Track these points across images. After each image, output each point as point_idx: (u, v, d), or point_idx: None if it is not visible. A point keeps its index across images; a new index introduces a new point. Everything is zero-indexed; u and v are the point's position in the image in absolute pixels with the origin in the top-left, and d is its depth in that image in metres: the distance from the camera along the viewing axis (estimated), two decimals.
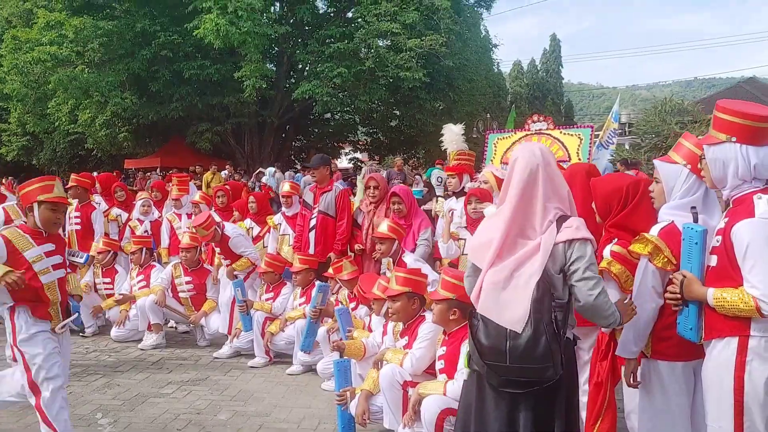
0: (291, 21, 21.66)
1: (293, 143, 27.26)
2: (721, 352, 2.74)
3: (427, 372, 4.24)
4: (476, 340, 2.71)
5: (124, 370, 6.29)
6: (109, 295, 7.70)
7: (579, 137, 13.18)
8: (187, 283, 7.30)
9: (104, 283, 7.80)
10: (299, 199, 7.77)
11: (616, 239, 3.32)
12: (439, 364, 4.02)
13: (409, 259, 5.49)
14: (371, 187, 7.07)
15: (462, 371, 3.17)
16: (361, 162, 27.13)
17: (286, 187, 7.82)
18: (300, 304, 6.49)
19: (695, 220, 2.94)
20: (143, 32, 21.07)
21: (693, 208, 3.00)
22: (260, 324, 6.55)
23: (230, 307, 6.88)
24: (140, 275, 7.59)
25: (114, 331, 7.42)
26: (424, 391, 3.87)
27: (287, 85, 24.31)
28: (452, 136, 7.43)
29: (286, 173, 16.77)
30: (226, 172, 20.49)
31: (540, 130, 13.61)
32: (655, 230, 3.16)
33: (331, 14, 23.97)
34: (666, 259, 3.07)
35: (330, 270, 6.29)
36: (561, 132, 13.39)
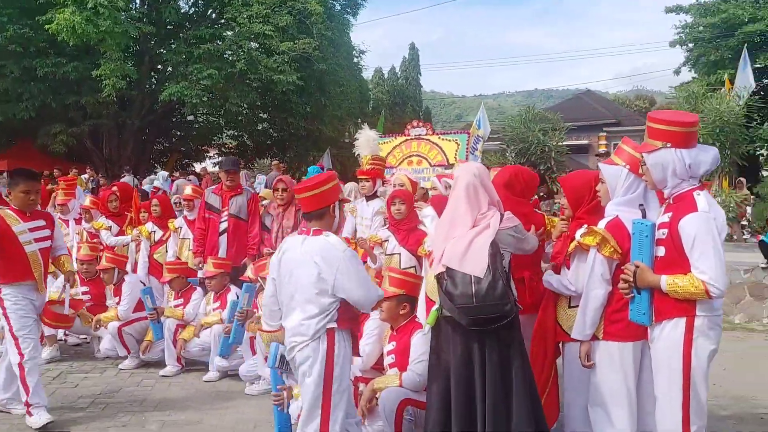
0: (154, 20, 20.77)
1: (154, 146, 26.16)
2: (670, 333, 3.12)
3: (374, 368, 4.38)
4: (447, 291, 3.35)
5: None
6: None
7: (456, 143, 13.91)
8: (84, 293, 6.93)
9: None
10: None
11: (585, 225, 3.65)
12: (389, 359, 4.17)
13: None
14: (279, 189, 7.08)
15: (425, 327, 3.67)
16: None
17: (188, 190, 7.61)
18: (214, 309, 6.38)
19: (644, 216, 3.32)
20: None
21: (641, 205, 3.37)
22: (171, 331, 6.36)
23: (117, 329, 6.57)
24: None
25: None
26: (380, 385, 4.00)
27: (149, 86, 23.34)
28: (367, 140, 7.56)
29: (160, 174, 16.01)
30: (86, 175, 19.34)
31: (419, 135, 14.19)
32: (602, 224, 3.52)
33: (194, 16, 23.31)
34: (612, 249, 3.44)
35: (249, 272, 6.23)
36: (439, 137, 14.06)
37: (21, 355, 4.79)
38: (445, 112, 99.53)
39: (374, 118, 28.42)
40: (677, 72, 30.89)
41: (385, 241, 5.55)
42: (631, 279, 3.20)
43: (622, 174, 3.57)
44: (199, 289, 6.74)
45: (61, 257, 5.32)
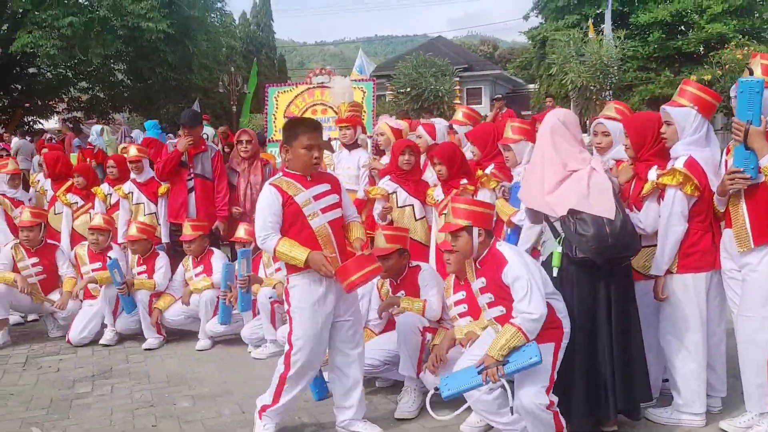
0: None
1: None
2: None
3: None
4: (578, 233, 3.42)
5: None
6: None
7: (362, 90, 13.76)
8: (34, 265, 6.23)
9: None
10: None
11: (656, 166, 3.85)
12: (461, 308, 4.15)
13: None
14: (243, 142, 6.75)
15: (553, 270, 3.58)
16: (80, 121, 24.47)
17: (133, 151, 6.93)
18: (197, 274, 6.00)
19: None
20: None
21: (748, 64, 3.53)
22: (146, 303, 5.92)
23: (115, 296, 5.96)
24: None
25: None
26: (460, 336, 4.02)
27: None
28: (343, 88, 7.31)
29: (93, 129, 14.14)
30: None
31: (322, 83, 13.91)
32: (679, 164, 3.71)
33: None
34: (694, 186, 3.66)
35: (241, 233, 5.89)
36: None
37: (288, 366, 3.71)
38: (288, 60, 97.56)
39: (227, 66, 27.24)
40: (526, 17, 32.47)
41: (392, 193, 5.42)
42: (741, 133, 3.35)
43: (690, 115, 3.77)
44: (162, 254, 6.28)
45: (351, 224, 4.00)
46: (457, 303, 4.20)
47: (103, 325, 6.11)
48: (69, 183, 6.98)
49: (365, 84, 13.29)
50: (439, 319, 4.38)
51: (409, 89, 15.72)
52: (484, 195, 4.84)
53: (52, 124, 28.53)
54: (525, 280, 3.25)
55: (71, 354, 5.78)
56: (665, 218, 3.74)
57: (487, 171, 4.93)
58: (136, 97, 23.96)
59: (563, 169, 3.59)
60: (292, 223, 3.65)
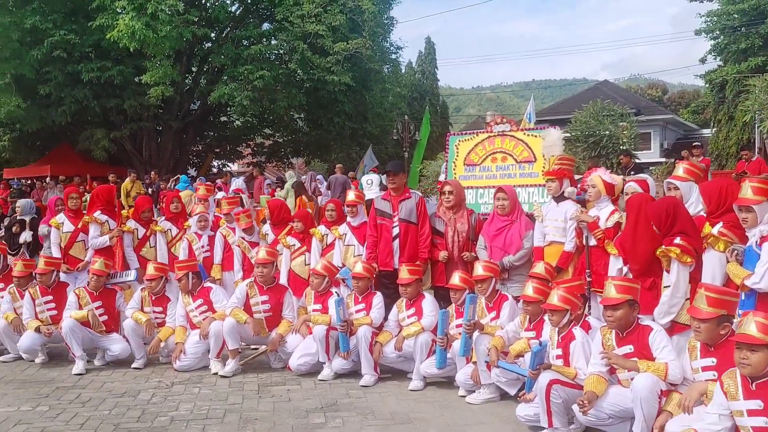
0: (204, 22, 20.60)
1: (192, 147, 25.95)
2: None
3: None
4: None
5: (237, 401, 5.75)
6: (161, 324, 7.06)
7: (542, 138, 13.76)
8: (264, 302, 6.83)
9: (155, 311, 7.09)
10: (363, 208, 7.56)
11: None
12: (709, 374, 4.05)
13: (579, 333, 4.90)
14: (446, 192, 7.06)
15: None
16: (263, 163, 26.46)
17: (351, 196, 7.52)
18: (409, 316, 6.30)
19: None
20: (33, 30, 19.07)
21: None
22: (368, 340, 6.26)
23: (325, 336, 6.38)
24: (198, 299, 6.96)
25: (178, 363, 6.75)
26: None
27: (188, 86, 23.10)
28: (553, 140, 7.52)
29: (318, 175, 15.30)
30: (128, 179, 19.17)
31: (503, 131, 14.04)
32: None
33: (241, 16, 23.03)
34: None
35: (456, 280, 6.11)
36: (525, 133, 13.90)
37: None
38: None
39: (392, 113, 28.21)
40: (703, 61, 30.98)
41: None
42: None
43: None
44: (378, 293, 6.64)
45: None
46: (705, 368, 4.10)
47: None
48: (288, 227, 7.60)
49: (543, 132, 13.37)
50: None
51: (585, 134, 15.54)
52: (710, 256, 4.70)
53: (234, 167, 31.13)
54: None
55: (296, 385, 6.25)
56: None
57: (714, 230, 4.78)
58: (312, 143, 25.54)
59: None
60: None
